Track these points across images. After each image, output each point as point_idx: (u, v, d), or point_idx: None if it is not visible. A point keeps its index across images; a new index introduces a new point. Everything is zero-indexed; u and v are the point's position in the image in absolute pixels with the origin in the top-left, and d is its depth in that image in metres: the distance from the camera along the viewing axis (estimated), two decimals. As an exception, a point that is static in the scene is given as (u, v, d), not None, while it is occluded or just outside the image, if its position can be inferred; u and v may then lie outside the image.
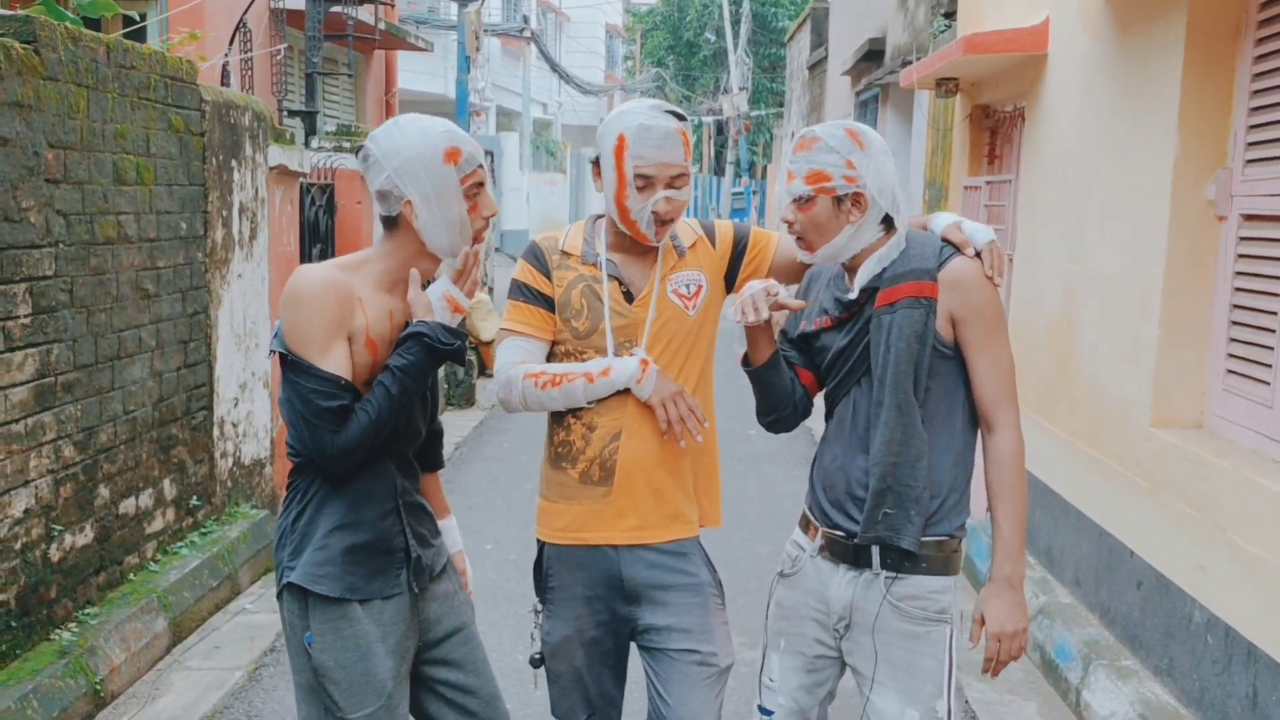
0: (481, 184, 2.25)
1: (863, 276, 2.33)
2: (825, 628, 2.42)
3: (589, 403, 2.43)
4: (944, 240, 2.34)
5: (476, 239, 2.28)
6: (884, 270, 2.31)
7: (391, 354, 2.23)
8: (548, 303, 2.47)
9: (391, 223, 2.25)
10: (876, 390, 2.31)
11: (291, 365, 2.16)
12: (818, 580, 2.42)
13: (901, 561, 2.31)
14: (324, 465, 2.21)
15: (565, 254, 2.49)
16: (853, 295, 2.34)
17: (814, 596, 2.43)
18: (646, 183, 2.35)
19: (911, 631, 2.32)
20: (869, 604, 2.34)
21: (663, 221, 2.39)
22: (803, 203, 2.31)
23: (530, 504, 6.36)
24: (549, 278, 2.47)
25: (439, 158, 2.18)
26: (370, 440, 2.19)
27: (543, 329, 2.48)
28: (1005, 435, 2.30)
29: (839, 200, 2.28)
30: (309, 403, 2.14)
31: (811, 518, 2.47)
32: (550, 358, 2.51)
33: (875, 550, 2.32)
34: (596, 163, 2.45)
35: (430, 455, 2.56)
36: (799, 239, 2.36)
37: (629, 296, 2.45)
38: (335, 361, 2.15)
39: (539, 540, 2.56)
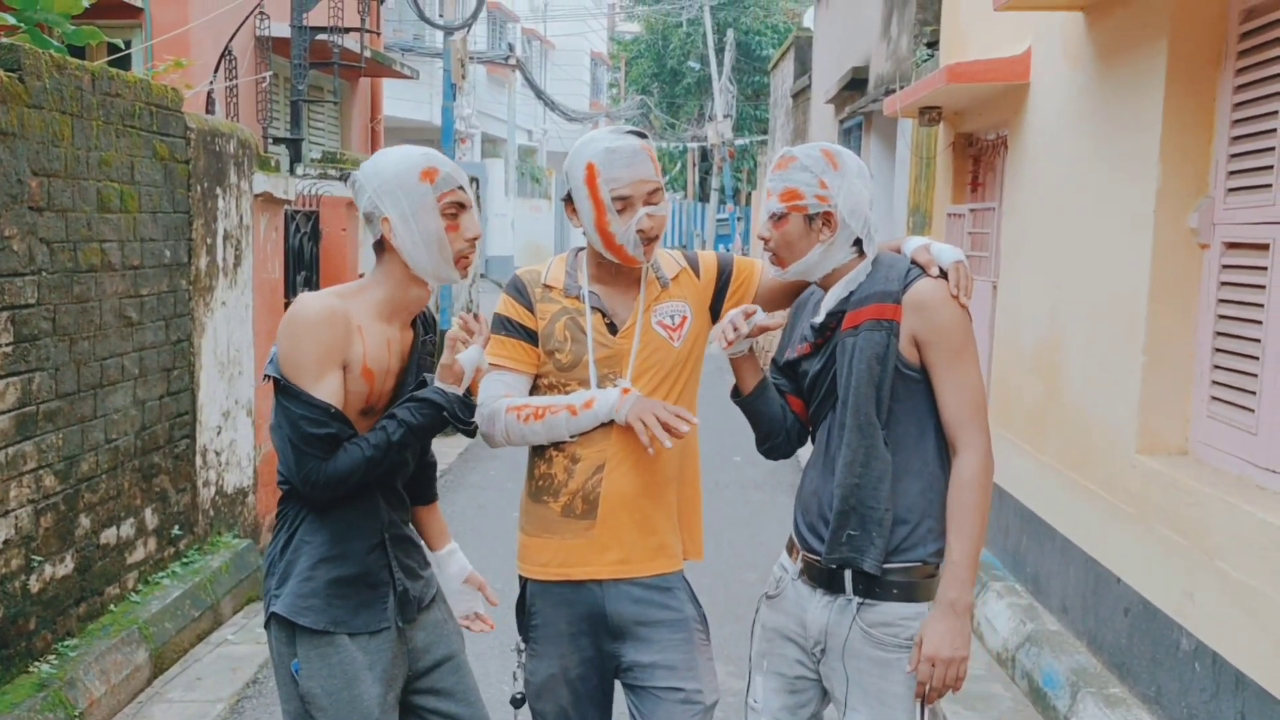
0: (462, 205, 2.27)
1: (829, 301, 2.37)
2: (804, 650, 2.43)
3: (572, 436, 2.41)
4: (912, 262, 2.36)
5: (460, 260, 2.27)
6: (851, 294, 2.34)
7: (404, 404, 2.25)
8: (530, 336, 2.46)
9: (380, 247, 2.29)
10: (839, 412, 2.33)
11: (284, 390, 2.18)
12: (797, 603, 2.43)
13: (872, 587, 2.31)
14: (307, 494, 2.21)
15: (548, 287, 2.48)
16: (818, 319, 2.37)
17: (794, 619, 2.44)
18: (625, 203, 2.35)
19: (882, 659, 2.32)
20: (841, 629, 2.35)
21: (649, 239, 2.39)
22: (777, 219, 2.35)
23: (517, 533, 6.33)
24: (532, 311, 2.46)
25: (415, 175, 2.22)
26: (358, 478, 2.21)
27: (525, 362, 2.47)
28: (968, 457, 2.29)
29: (810, 219, 2.32)
30: (298, 428, 2.16)
31: (795, 540, 2.48)
32: (534, 391, 2.50)
33: (847, 575, 2.33)
34: (569, 199, 2.44)
35: (422, 487, 2.56)
36: (773, 256, 2.40)
37: (613, 328, 2.44)
38: (328, 390, 2.18)
39: (521, 577, 2.52)
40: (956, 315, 2.29)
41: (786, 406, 2.52)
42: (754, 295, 2.55)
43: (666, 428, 2.30)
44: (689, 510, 2.55)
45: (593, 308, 2.44)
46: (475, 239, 2.28)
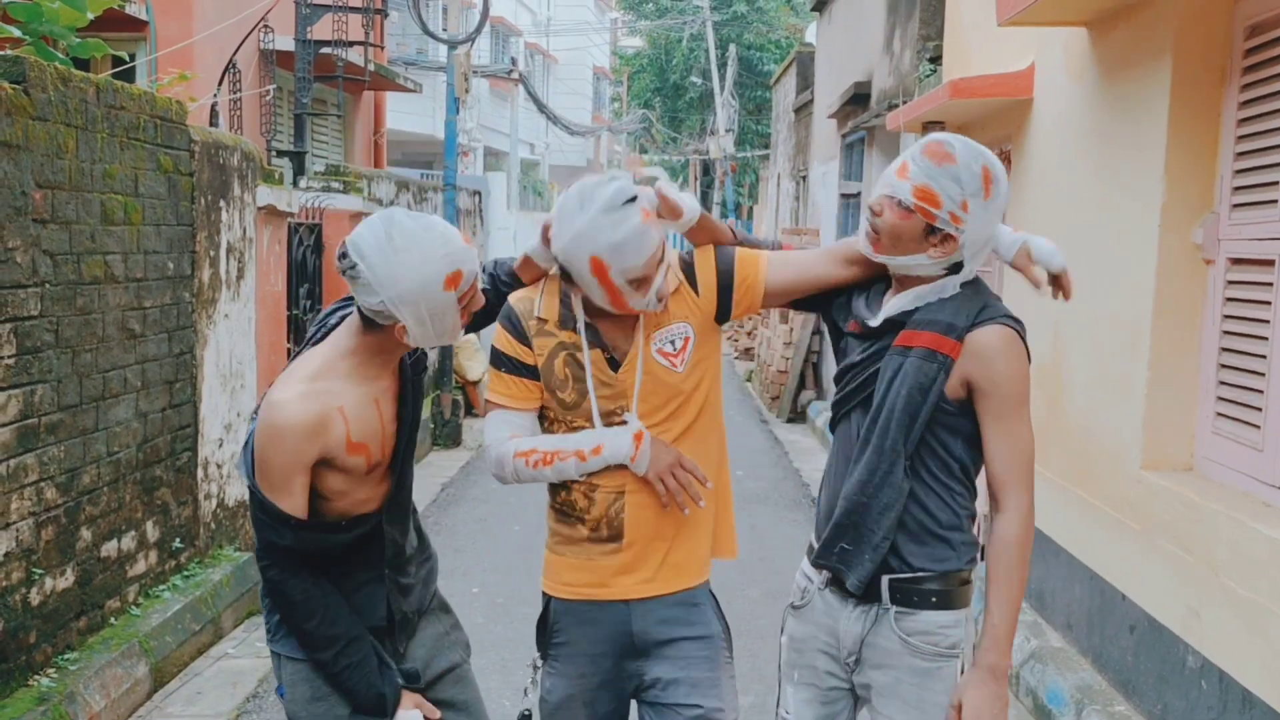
0: (476, 288, 2.19)
1: (891, 308, 2.27)
2: (836, 660, 2.39)
3: (583, 477, 2.35)
4: (1014, 266, 2.27)
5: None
6: (916, 308, 2.24)
7: (365, 670, 2.22)
8: (531, 372, 2.36)
9: (376, 326, 2.16)
10: (865, 427, 2.27)
11: (253, 489, 2.18)
12: (827, 614, 2.38)
13: (910, 596, 2.27)
14: (266, 587, 2.27)
15: (542, 320, 2.35)
16: (874, 323, 2.28)
17: (824, 630, 2.39)
18: (641, 280, 2.20)
19: (922, 667, 2.28)
20: (879, 639, 2.31)
21: (666, 295, 2.30)
22: (900, 208, 2.18)
23: (519, 546, 6.32)
24: (529, 346, 2.35)
25: (439, 284, 2.08)
26: (294, 623, 2.23)
27: (528, 399, 2.38)
28: (1010, 518, 2.21)
29: (931, 230, 2.18)
30: (259, 531, 2.19)
31: (816, 542, 2.42)
32: (540, 421, 2.42)
33: (884, 582, 2.28)
34: (567, 276, 2.26)
35: None
36: (873, 233, 2.23)
37: (613, 363, 2.33)
38: (292, 501, 2.14)
39: (545, 594, 2.46)
40: (1019, 369, 2.20)
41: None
42: (761, 297, 2.40)
43: (684, 493, 2.29)
44: (720, 508, 2.49)
45: (590, 343, 2.32)
46: (479, 310, 2.24)
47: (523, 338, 2.35)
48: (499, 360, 2.38)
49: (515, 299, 2.39)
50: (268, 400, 2.14)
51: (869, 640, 2.32)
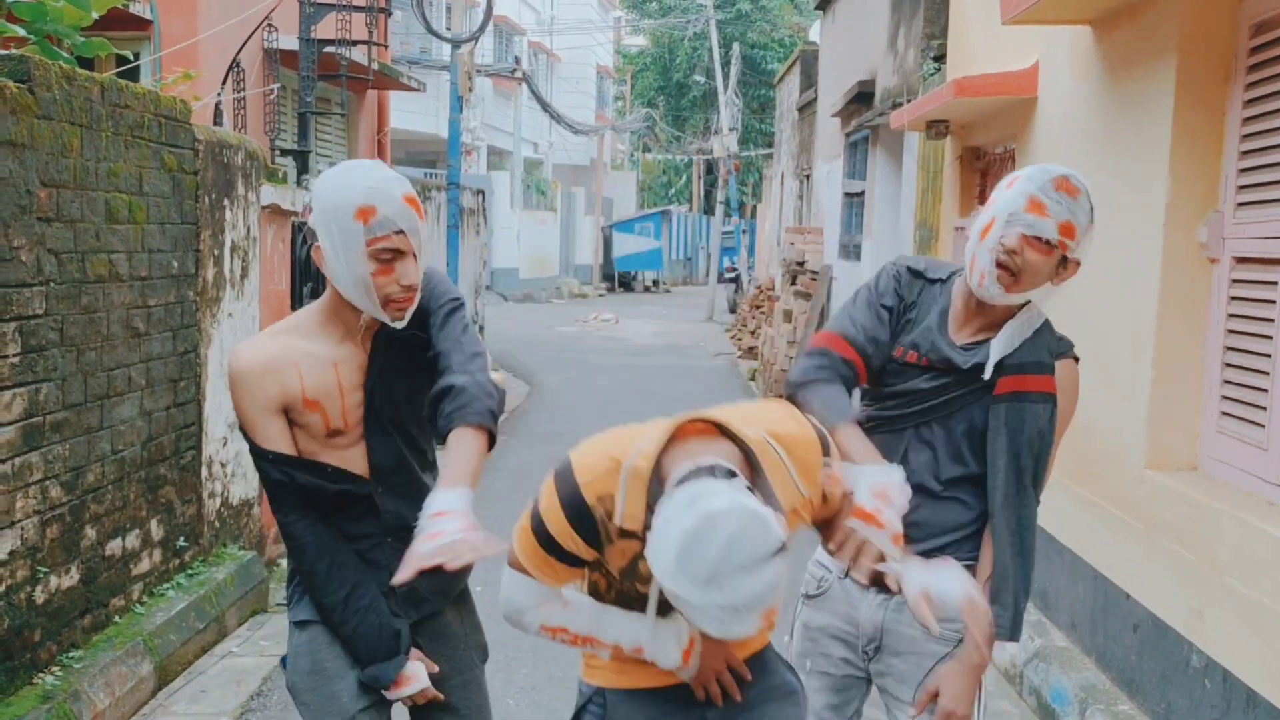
0: (397, 251, 2.13)
1: (996, 353, 2.27)
2: (854, 649, 2.41)
3: None
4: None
5: (390, 305, 2.17)
6: (1012, 351, 2.28)
7: (372, 620, 2.26)
8: (582, 563, 2.01)
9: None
10: (990, 478, 2.28)
11: (245, 439, 2.30)
12: (846, 602, 2.41)
13: None
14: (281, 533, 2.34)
15: (625, 531, 1.89)
16: (986, 375, 2.27)
17: (842, 618, 2.42)
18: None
19: (943, 654, 2.32)
20: (900, 627, 2.34)
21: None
22: (1043, 245, 2.20)
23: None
24: (600, 550, 1.96)
25: (350, 212, 2.10)
26: (300, 564, 2.30)
27: (566, 580, 2.05)
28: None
29: (1064, 261, 2.24)
30: (258, 472, 2.31)
31: None
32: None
33: None
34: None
35: (446, 417, 2.22)
36: (1005, 270, 2.21)
37: None
38: (268, 436, 2.24)
39: (591, 686, 2.15)
40: (1074, 405, 2.36)
41: (856, 378, 2.38)
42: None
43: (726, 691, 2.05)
44: None
45: None
46: (410, 286, 2.16)
47: (595, 542, 1.94)
48: (548, 542, 1.96)
49: (592, 495, 1.91)
50: (231, 353, 2.30)
51: (889, 627, 2.35)
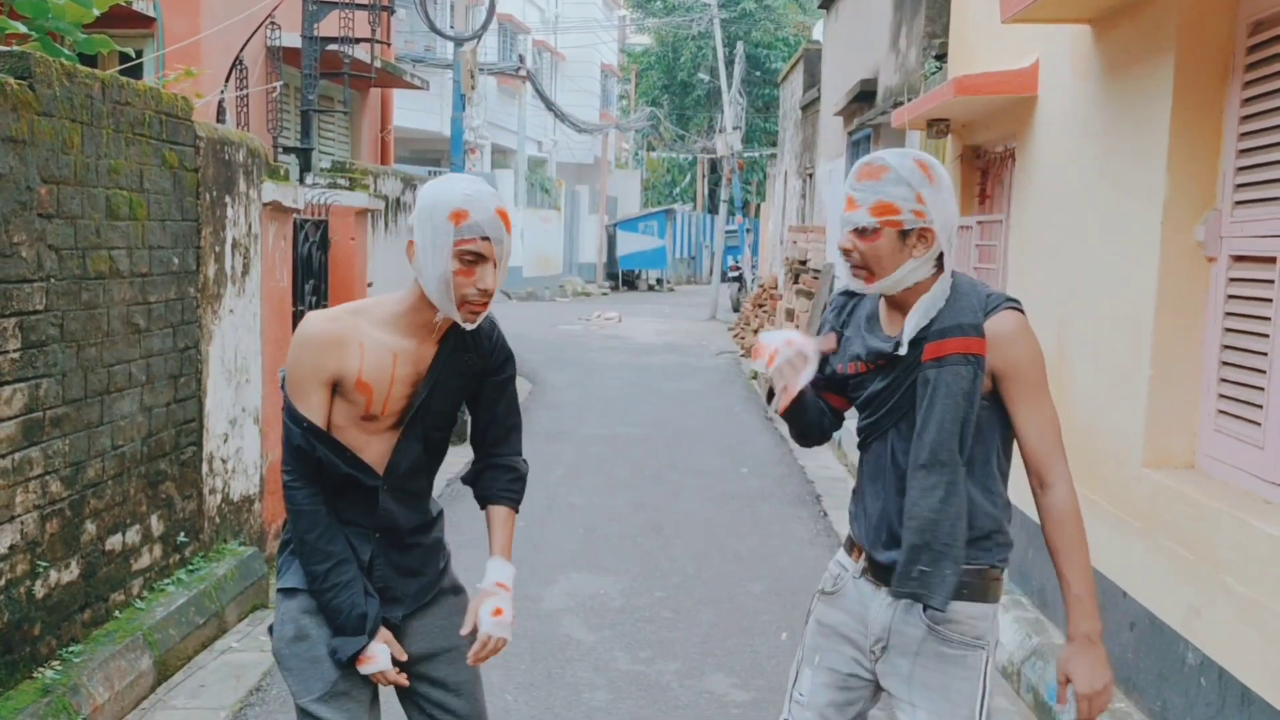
0: (481, 255, 2.27)
1: (910, 328, 2.30)
2: (861, 649, 2.43)
3: None
4: None
5: (465, 306, 2.30)
6: (931, 321, 2.29)
7: (348, 590, 2.36)
8: None
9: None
10: (916, 447, 2.29)
11: (284, 396, 2.40)
12: (859, 601, 2.43)
13: None
14: (284, 492, 2.43)
15: None
16: (902, 351, 2.30)
17: (853, 617, 2.44)
18: None
19: (949, 654, 2.33)
20: (908, 627, 2.36)
21: None
22: (866, 234, 2.26)
23: (521, 541, 6.32)
24: None
25: (445, 213, 2.26)
26: (297, 531, 2.39)
27: None
28: (1060, 490, 2.30)
29: (905, 234, 2.25)
30: (283, 430, 2.40)
31: (856, 541, 2.47)
32: None
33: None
34: None
35: (486, 486, 2.61)
36: (856, 268, 2.31)
37: None
38: (309, 405, 2.35)
39: None
40: (1036, 348, 2.29)
41: (825, 409, 2.51)
42: None
43: None
44: None
45: None
46: (486, 291, 2.29)
47: None
48: None
49: None
50: (304, 317, 2.41)
51: (896, 627, 2.37)
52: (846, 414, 2.57)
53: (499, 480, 2.57)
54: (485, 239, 2.26)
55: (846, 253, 2.30)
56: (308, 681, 2.38)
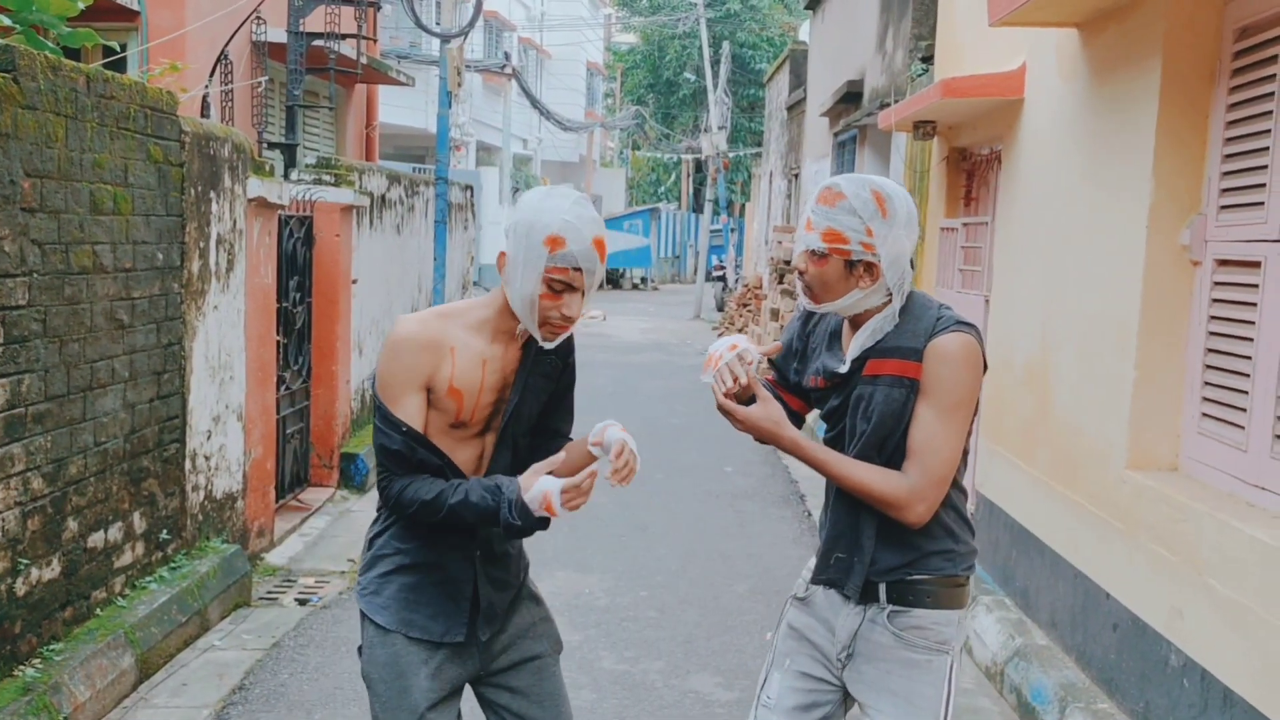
0: (571, 286, 2.25)
1: (854, 349, 2.37)
2: (829, 656, 2.47)
3: None
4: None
5: (545, 326, 2.29)
6: (876, 342, 2.34)
7: (478, 484, 2.29)
8: None
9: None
10: (847, 452, 2.38)
11: (375, 402, 2.35)
12: (828, 608, 2.48)
13: (906, 595, 2.37)
14: (383, 502, 2.38)
15: None
16: (844, 368, 2.38)
17: (822, 623, 2.48)
18: None
19: (913, 660, 2.37)
20: (873, 634, 2.40)
21: None
22: (816, 257, 2.31)
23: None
24: None
25: (542, 236, 2.23)
26: (418, 514, 2.31)
27: None
28: (906, 481, 2.29)
29: (851, 264, 2.29)
30: (376, 439, 2.34)
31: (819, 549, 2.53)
32: None
33: (882, 587, 2.38)
34: None
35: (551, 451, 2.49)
36: (807, 289, 2.37)
37: None
38: (406, 410, 2.30)
39: None
40: (966, 377, 2.28)
41: (785, 407, 2.54)
42: None
43: None
44: None
45: None
46: (569, 318, 2.28)
47: None
48: None
49: None
50: (396, 321, 2.36)
51: (863, 634, 2.41)
52: (807, 417, 2.62)
53: (561, 445, 2.50)
54: (578, 269, 2.24)
55: (800, 272, 2.36)
56: (396, 710, 2.37)
